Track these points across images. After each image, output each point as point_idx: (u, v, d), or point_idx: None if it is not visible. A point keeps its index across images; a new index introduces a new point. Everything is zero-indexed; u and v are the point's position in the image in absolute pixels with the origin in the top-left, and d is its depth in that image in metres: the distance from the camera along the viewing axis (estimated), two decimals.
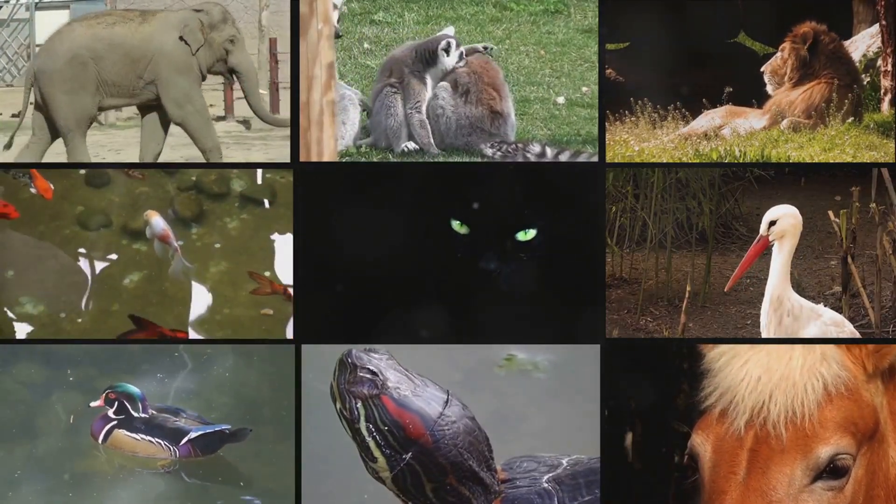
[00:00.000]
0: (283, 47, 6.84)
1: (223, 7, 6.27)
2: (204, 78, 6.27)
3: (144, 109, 6.20)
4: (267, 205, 5.67)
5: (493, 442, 3.94)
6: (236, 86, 6.44)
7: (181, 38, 6.11)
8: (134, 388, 4.98)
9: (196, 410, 5.03)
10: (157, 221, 5.37)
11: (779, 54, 5.92)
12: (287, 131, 5.33)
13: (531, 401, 4.97)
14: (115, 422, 4.94)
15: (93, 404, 4.99)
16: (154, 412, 4.98)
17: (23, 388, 5.10)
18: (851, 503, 3.28)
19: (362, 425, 3.77)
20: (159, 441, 4.88)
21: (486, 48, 6.31)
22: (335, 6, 6.29)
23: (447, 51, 6.17)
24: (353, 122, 6.17)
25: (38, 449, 4.94)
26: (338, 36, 6.46)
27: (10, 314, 5.27)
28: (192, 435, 4.89)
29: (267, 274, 5.45)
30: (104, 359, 5.16)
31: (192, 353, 5.21)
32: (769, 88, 5.96)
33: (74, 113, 5.98)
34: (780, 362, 3.33)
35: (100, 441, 4.97)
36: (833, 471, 3.26)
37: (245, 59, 6.30)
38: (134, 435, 4.91)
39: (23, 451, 4.93)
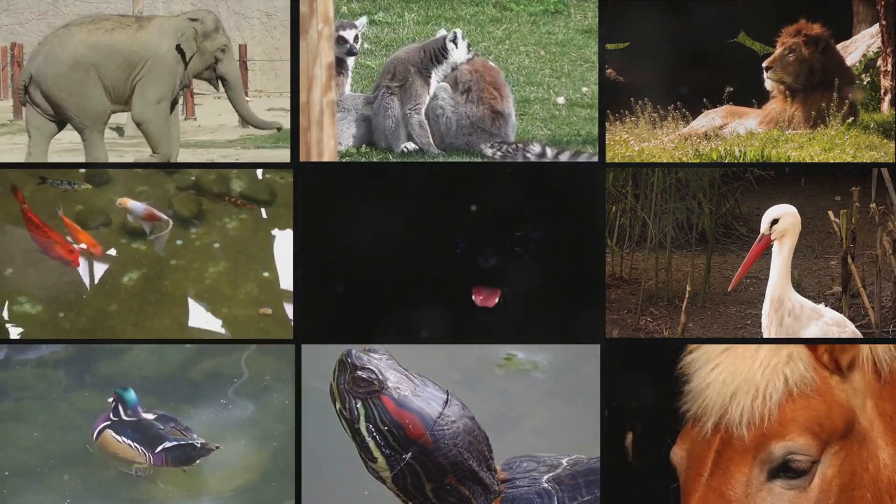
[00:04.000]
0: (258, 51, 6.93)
1: (215, 16, 6.34)
2: (189, 84, 6.34)
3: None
4: (264, 214, 5.66)
5: (492, 442, 3.93)
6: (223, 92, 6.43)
7: (178, 48, 6.16)
8: (132, 396, 5.03)
9: (254, 439, 5.07)
10: (134, 205, 5.47)
11: (792, 55, 5.90)
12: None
13: (531, 401, 4.97)
14: (108, 422, 5.01)
15: (109, 399, 5.06)
16: (144, 417, 5.01)
17: (80, 415, 5.12)
18: (818, 503, 3.30)
19: (362, 425, 3.76)
20: (137, 445, 4.94)
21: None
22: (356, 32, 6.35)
23: (455, 41, 6.17)
24: (347, 137, 6.19)
25: (92, 477, 4.96)
26: (353, 53, 6.43)
27: (8, 313, 5.27)
28: (167, 444, 4.95)
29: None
30: (164, 386, 5.21)
31: (250, 381, 5.23)
32: (768, 84, 5.95)
33: (87, 111, 6.05)
34: (745, 364, 3.37)
35: (93, 438, 5.03)
36: (789, 470, 3.30)
37: (234, 68, 6.36)
38: (118, 437, 4.99)
39: (76, 478, 4.95)
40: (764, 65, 5.94)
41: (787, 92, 5.91)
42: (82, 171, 5.74)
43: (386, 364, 3.81)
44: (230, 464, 5.00)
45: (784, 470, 3.30)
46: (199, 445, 4.96)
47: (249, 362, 5.24)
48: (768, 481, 3.30)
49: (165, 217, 5.48)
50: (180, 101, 6.41)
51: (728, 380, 3.35)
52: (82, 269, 5.30)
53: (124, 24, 6.18)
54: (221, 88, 6.35)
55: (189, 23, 6.23)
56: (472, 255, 4.65)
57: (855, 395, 3.39)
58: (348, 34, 6.28)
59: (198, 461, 4.98)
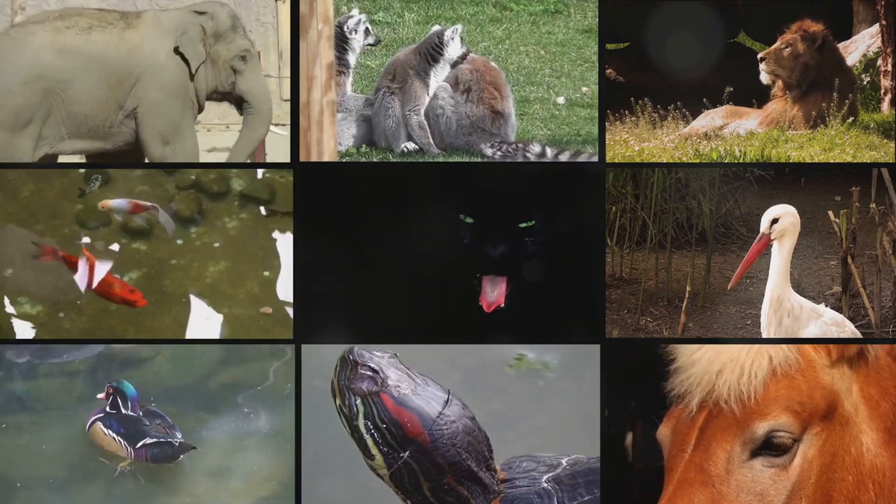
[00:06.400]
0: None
1: (232, 10, 4.83)
2: (201, 109, 4.83)
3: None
4: (263, 211, 5.65)
5: (493, 442, 3.93)
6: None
7: (176, 51, 4.67)
8: (130, 387, 5.03)
9: (277, 448, 5.05)
10: (117, 203, 5.03)
11: (787, 49, 5.90)
12: None
13: (532, 400, 4.97)
14: (101, 414, 5.01)
15: (99, 396, 5.05)
16: (134, 413, 5.03)
17: None
18: (799, 482, 3.33)
19: (361, 422, 3.77)
20: (121, 440, 4.95)
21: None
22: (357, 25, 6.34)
23: (453, 38, 6.18)
24: (347, 137, 6.19)
25: (112, 488, 4.96)
26: (377, 42, 6.45)
27: (9, 313, 5.27)
28: (147, 441, 4.95)
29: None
30: (185, 396, 5.20)
31: (273, 390, 5.22)
32: (763, 77, 5.94)
33: (13, 154, 4.61)
34: (730, 345, 3.43)
35: (86, 429, 5.04)
36: (772, 447, 3.33)
37: (259, 85, 4.87)
38: (105, 430, 4.99)
39: (96, 489, 4.96)
40: (759, 56, 5.94)
41: (786, 90, 5.91)
42: (81, 171, 5.74)
43: (388, 362, 3.81)
44: (252, 473, 5.00)
45: (766, 447, 3.33)
46: (177, 444, 4.95)
47: (276, 372, 5.24)
48: (749, 459, 3.33)
49: (150, 203, 5.02)
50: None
51: (714, 358, 3.39)
52: (80, 274, 5.30)
53: (105, 22, 4.59)
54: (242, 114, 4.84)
55: (194, 18, 4.73)
56: (480, 244, 4.61)
57: (841, 379, 3.42)
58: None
59: (181, 458, 4.97)
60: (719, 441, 3.34)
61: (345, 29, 6.27)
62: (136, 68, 4.61)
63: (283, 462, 4.95)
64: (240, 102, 4.84)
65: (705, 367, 3.40)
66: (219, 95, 4.87)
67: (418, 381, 3.82)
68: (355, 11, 6.38)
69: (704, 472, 3.33)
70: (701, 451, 3.35)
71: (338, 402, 3.80)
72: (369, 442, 3.77)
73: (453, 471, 3.80)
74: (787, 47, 5.90)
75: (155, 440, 4.94)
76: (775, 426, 3.32)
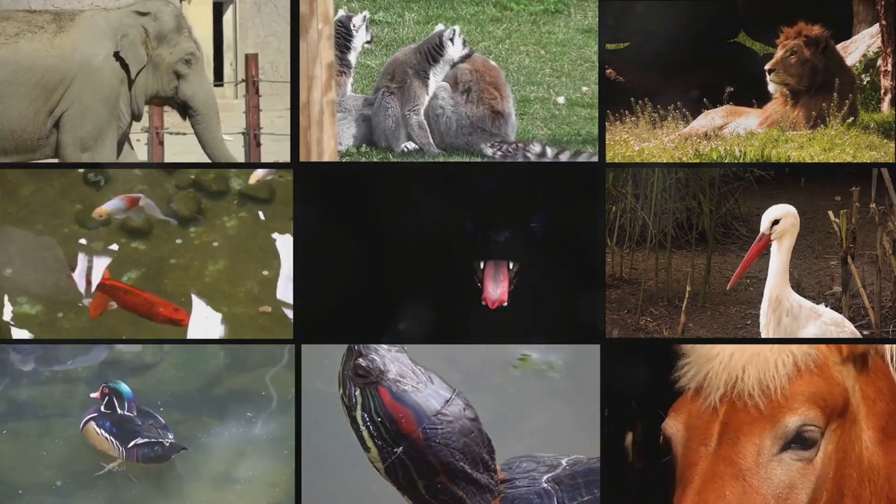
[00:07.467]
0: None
1: (176, 8, 4.54)
2: (138, 116, 4.53)
3: None
4: (262, 216, 5.64)
5: (494, 442, 3.92)
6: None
7: (116, 55, 4.38)
8: (126, 388, 5.03)
9: (279, 455, 5.03)
10: (111, 205, 4.96)
11: (793, 56, 5.90)
12: None
13: (533, 401, 4.97)
14: (95, 414, 5.01)
15: (92, 395, 5.05)
16: (128, 412, 5.02)
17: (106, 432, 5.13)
18: (821, 475, 3.36)
19: (358, 414, 3.77)
20: (113, 439, 4.96)
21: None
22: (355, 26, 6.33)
23: (452, 39, 6.19)
24: (347, 137, 6.19)
25: (116, 495, 4.96)
26: (371, 40, 6.44)
27: (8, 313, 5.27)
28: (138, 441, 4.95)
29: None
30: (190, 402, 5.19)
31: (278, 394, 5.21)
32: (771, 87, 5.95)
33: None
34: (735, 344, 3.45)
35: (80, 428, 5.04)
36: (801, 441, 3.35)
37: (203, 90, 4.67)
38: (98, 430, 4.99)
39: (98, 495, 4.95)
40: (766, 67, 5.94)
41: (789, 94, 5.91)
42: (81, 170, 5.74)
43: (392, 356, 3.80)
44: (256, 480, 4.99)
45: (795, 441, 3.35)
46: (167, 445, 4.96)
47: (275, 381, 5.22)
48: (779, 453, 3.35)
49: (142, 196, 5.01)
50: (141, 140, 4.62)
51: (736, 354, 3.39)
52: (80, 271, 5.29)
53: (35, 26, 4.25)
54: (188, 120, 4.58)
55: (136, 18, 4.45)
56: (483, 232, 4.60)
57: (848, 377, 3.46)
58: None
59: (172, 459, 4.96)
60: (747, 435, 3.35)
61: (351, 26, 6.28)
62: (69, 73, 4.34)
63: (286, 467, 4.94)
64: (183, 108, 4.63)
65: (726, 361, 3.40)
66: (160, 100, 4.67)
67: (422, 379, 3.81)
68: (358, 8, 6.41)
69: (735, 466, 3.33)
70: (728, 445, 3.35)
71: (340, 391, 3.81)
72: (365, 434, 3.77)
73: (447, 471, 3.79)
74: (792, 54, 5.89)
75: (146, 440, 4.95)
76: (807, 420, 3.34)
